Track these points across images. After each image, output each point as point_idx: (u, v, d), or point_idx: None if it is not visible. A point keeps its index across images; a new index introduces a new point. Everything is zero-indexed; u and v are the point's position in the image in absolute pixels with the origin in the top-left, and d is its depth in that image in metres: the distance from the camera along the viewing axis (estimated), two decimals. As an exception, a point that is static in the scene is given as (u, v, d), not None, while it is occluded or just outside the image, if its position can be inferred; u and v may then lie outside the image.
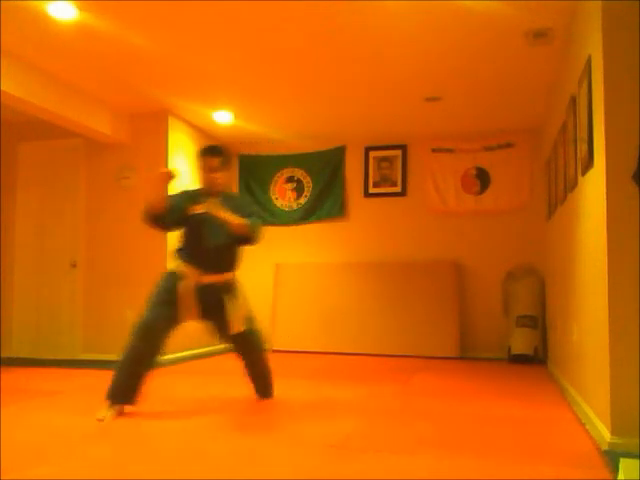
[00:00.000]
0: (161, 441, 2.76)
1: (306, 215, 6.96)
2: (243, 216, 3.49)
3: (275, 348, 6.66)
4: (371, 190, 6.81)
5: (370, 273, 6.61)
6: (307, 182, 7.00)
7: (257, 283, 7.08)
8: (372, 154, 6.82)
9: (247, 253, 7.14)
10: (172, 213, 3.43)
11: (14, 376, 4.77)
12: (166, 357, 5.63)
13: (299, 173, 7.03)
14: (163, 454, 2.54)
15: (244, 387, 3.87)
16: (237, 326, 3.48)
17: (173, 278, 3.45)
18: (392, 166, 6.75)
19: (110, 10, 3.73)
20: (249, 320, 3.65)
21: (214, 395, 3.91)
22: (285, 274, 6.92)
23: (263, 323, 6.90)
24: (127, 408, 3.29)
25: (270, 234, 7.09)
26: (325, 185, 6.91)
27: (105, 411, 3.17)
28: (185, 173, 6.17)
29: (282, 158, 7.08)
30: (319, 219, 6.93)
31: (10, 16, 3.80)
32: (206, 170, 3.54)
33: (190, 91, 5.30)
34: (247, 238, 3.54)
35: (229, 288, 3.58)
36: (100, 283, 5.94)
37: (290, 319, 6.74)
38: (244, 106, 5.69)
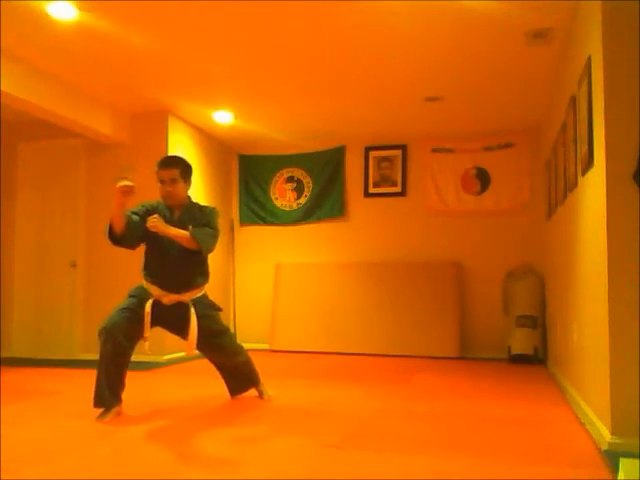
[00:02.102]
0: (160, 441, 2.76)
1: (306, 215, 6.96)
2: (197, 227, 3.37)
3: (275, 348, 6.66)
4: (371, 190, 6.81)
5: (370, 273, 6.61)
6: (307, 182, 7.00)
7: (257, 283, 7.09)
8: (372, 154, 6.82)
9: (247, 253, 7.20)
10: (132, 231, 3.27)
11: (14, 376, 4.76)
12: (166, 357, 5.64)
13: (299, 173, 7.03)
14: (162, 454, 2.54)
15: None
16: (191, 347, 3.38)
17: (141, 292, 3.37)
18: (392, 166, 6.75)
19: (110, 10, 3.73)
20: (218, 333, 3.58)
21: (214, 395, 3.91)
22: (285, 274, 6.92)
23: (263, 323, 6.93)
24: (127, 408, 3.29)
25: (270, 234, 7.11)
26: (325, 185, 6.91)
27: (102, 415, 3.16)
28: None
29: (282, 158, 7.08)
30: (319, 219, 6.93)
31: (10, 16, 3.80)
32: (163, 183, 3.39)
33: (190, 91, 5.30)
34: (196, 250, 3.34)
35: (196, 305, 3.42)
36: (100, 283, 5.93)
37: (290, 319, 6.73)
38: (244, 106, 5.69)
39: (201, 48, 4.31)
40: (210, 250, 3.45)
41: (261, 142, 7.01)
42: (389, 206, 6.74)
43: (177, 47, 4.30)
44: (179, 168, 3.41)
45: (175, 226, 3.31)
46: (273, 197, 7.11)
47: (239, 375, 3.77)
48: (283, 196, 7.07)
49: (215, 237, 3.48)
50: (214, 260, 6.77)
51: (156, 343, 5.55)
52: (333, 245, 6.89)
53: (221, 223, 3.77)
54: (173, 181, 3.38)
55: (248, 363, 3.77)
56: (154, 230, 3.19)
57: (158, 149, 5.84)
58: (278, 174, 7.10)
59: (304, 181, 7.01)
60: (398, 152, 6.74)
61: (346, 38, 4.10)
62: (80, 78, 4.98)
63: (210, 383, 4.41)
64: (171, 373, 5.01)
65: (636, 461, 2.28)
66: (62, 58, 4.53)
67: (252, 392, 3.82)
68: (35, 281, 6.14)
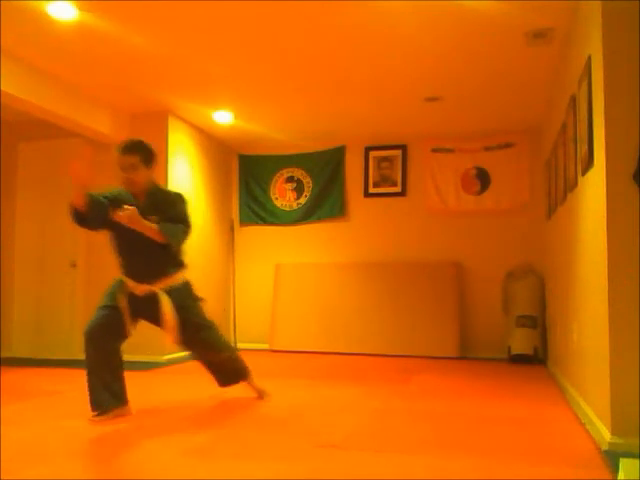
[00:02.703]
0: (160, 441, 2.76)
1: (306, 215, 6.96)
2: (165, 219, 3.23)
3: (275, 348, 6.66)
4: (371, 190, 6.81)
5: (370, 273, 6.61)
6: (307, 182, 7.00)
7: (257, 283, 7.08)
8: (372, 154, 6.82)
9: (247, 253, 7.20)
10: (97, 211, 3.13)
11: (14, 376, 4.76)
12: (166, 357, 5.64)
13: (299, 173, 7.03)
14: (162, 454, 2.54)
15: (243, 387, 3.86)
16: (171, 335, 3.24)
17: (119, 285, 3.29)
18: (392, 166, 6.75)
19: (110, 10, 3.73)
20: (202, 327, 3.46)
21: (214, 395, 3.91)
22: (285, 274, 6.92)
23: (263, 323, 6.93)
24: (127, 409, 3.29)
25: (270, 234, 7.10)
26: (325, 185, 6.91)
27: (101, 414, 3.14)
28: (185, 174, 6.18)
29: (282, 158, 7.08)
30: (319, 219, 6.93)
31: (10, 16, 3.80)
32: (123, 169, 3.22)
33: (190, 91, 5.29)
34: (166, 244, 3.24)
35: (172, 294, 3.28)
36: (100, 283, 5.89)
37: (290, 319, 6.73)
38: (244, 106, 5.69)
39: (201, 48, 4.31)
40: (180, 244, 3.34)
41: (261, 142, 7.01)
42: (389, 206, 6.74)
43: (177, 47, 4.30)
44: (140, 154, 3.24)
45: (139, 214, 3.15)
46: (273, 197, 7.11)
47: (227, 371, 3.70)
48: (283, 196, 7.07)
49: (186, 232, 3.36)
50: (214, 260, 6.82)
51: (156, 343, 5.58)
52: (333, 245, 6.89)
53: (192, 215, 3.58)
54: (133, 167, 3.21)
55: (236, 360, 3.70)
56: (126, 222, 3.06)
57: (158, 149, 5.80)
58: (278, 174, 7.10)
59: (304, 181, 7.01)
60: (398, 152, 6.74)
61: (346, 38, 4.10)
62: (80, 78, 4.98)
63: (208, 383, 4.41)
64: (171, 373, 5.00)
65: (636, 461, 2.28)
66: (62, 58, 4.53)
67: (251, 393, 3.82)
68: (35, 281, 6.14)
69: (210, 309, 6.60)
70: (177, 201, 3.38)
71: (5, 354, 6.03)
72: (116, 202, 3.19)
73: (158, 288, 3.25)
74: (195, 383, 4.44)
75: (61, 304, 6.06)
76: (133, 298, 3.25)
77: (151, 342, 5.60)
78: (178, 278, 3.38)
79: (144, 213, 3.16)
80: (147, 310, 3.27)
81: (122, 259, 3.32)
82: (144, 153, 3.26)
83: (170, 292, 3.28)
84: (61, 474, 2.26)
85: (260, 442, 2.75)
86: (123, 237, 3.24)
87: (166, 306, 3.22)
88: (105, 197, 3.22)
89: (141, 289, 3.25)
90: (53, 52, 4.41)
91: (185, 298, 3.39)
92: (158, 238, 3.19)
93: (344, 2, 3.59)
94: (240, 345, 7.02)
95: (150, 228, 3.16)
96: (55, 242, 6.12)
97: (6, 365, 5.38)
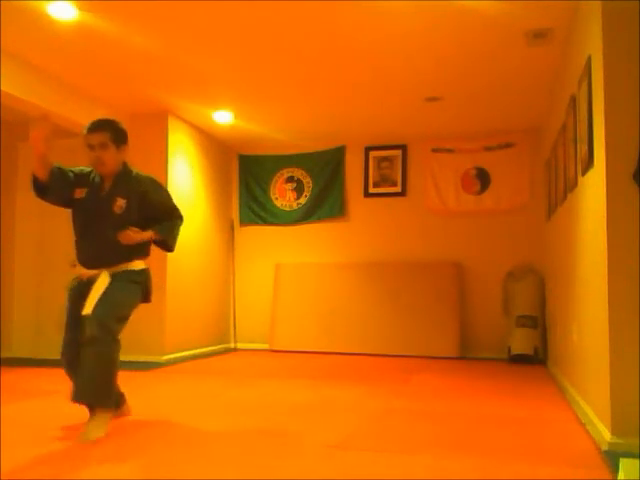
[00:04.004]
0: (160, 441, 2.76)
1: (306, 215, 6.96)
2: (151, 209, 3.07)
3: (275, 348, 6.66)
4: (371, 190, 6.81)
5: (370, 273, 6.61)
6: (307, 182, 7.00)
7: (257, 283, 7.08)
8: (372, 154, 6.82)
9: (247, 253, 7.19)
10: (58, 182, 2.95)
11: (14, 376, 4.76)
12: (166, 357, 5.64)
13: (299, 173, 7.03)
14: (162, 454, 2.54)
15: (243, 387, 3.87)
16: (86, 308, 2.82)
17: (72, 285, 3.04)
18: (392, 166, 6.75)
19: (110, 10, 3.73)
20: (106, 317, 2.82)
21: (214, 395, 3.91)
22: (285, 274, 6.92)
23: (263, 323, 6.93)
24: (128, 410, 3.29)
25: (270, 234, 7.10)
26: (325, 185, 6.91)
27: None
28: (185, 174, 6.18)
29: (282, 158, 7.08)
30: (319, 219, 6.93)
31: (10, 16, 3.80)
32: (91, 148, 2.98)
33: (190, 91, 5.29)
34: (164, 248, 3.12)
35: (115, 276, 2.94)
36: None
37: (290, 319, 6.73)
38: (244, 106, 5.69)
39: (201, 48, 4.31)
40: (174, 246, 3.19)
41: (261, 142, 7.01)
42: (389, 206, 6.74)
43: (177, 47, 4.30)
44: (110, 132, 3.00)
45: (104, 198, 3.00)
46: (273, 197, 7.11)
47: (86, 377, 2.81)
48: (283, 196, 7.07)
49: (180, 224, 3.19)
50: (214, 260, 6.83)
51: (156, 343, 5.59)
52: (333, 245, 6.89)
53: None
54: (103, 146, 2.97)
55: (105, 370, 2.83)
56: (128, 242, 2.93)
57: (158, 149, 5.84)
58: (278, 174, 7.10)
59: (304, 181, 7.01)
60: (398, 152, 6.74)
61: (346, 38, 4.10)
62: (80, 78, 4.98)
63: (208, 383, 4.41)
64: (171, 373, 5.00)
65: (636, 461, 2.28)
66: (62, 58, 4.53)
67: (250, 395, 3.82)
68: (35, 281, 6.14)
69: (210, 309, 6.62)
70: (157, 187, 3.18)
71: (5, 354, 6.03)
72: (82, 180, 3.04)
73: (104, 272, 2.94)
74: (195, 384, 4.44)
75: (61, 304, 6.04)
76: (84, 287, 2.95)
77: (151, 342, 5.61)
78: (134, 265, 3.04)
79: (111, 196, 3.01)
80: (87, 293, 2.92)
81: (77, 243, 3.06)
82: (114, 132, 3.03)
83: (114, 275, 2.95)
84: (61, 474, 2.26)
85: (260, 442, 2.75)
86: (81, 218, 3.05)
87: (99, 283, 2.89)
88: (72, 172, 3.06)
89: (88, 274, 2.98)
90: (53, 52, 4.41)
91: (123, 280, 2.96)
92: (158, 243, 3.11)
93: (344, 2, 3.59)
94: (240, 345, 7.03)
95: (149, 236, 3.05)
96: (55, 242, 6.11)
97: (6, 365, 5.38)
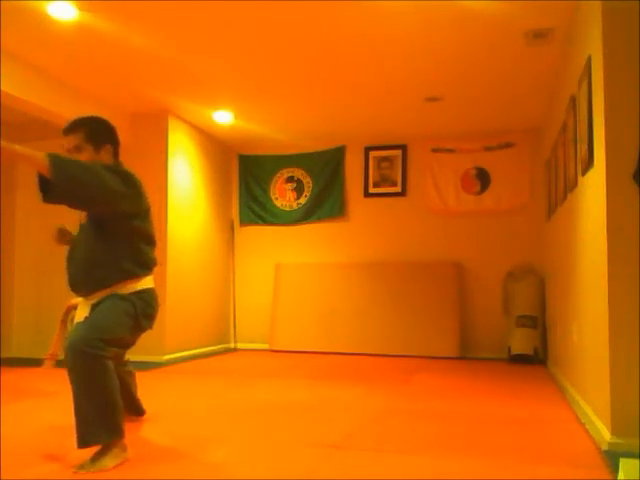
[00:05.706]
0: (159, 441, 2.76)
1: (306, 215, 6.96)
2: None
3: (275, 348, 6.66)
4: (371, 190, 6.81)
5: (370, 273, 6.61)
6: (307, 182, 7.00)
7: (257, 283, 7.08)
8: (372, 154, 6.81)
9: (247, 253, 7.19)
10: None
11: (14, 376, 4.76)
12: (166, 357, 5.64)
13: (299, 173, 7.03)
14: (161, 454, 2.54)
15: (243, 387, 3.87)
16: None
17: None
18: (392, 166, 6.75)
19: (110, 10, 3.73)
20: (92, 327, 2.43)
21: (213, 395, 3.91)
22: (285, 274, 6.92)
23: (263, 323, 6.93)
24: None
25: (270, 234, 7.10)
26: (325, 185, 6.91)
27: None
28: (185, 174, 6.18)
29: (282, 158, 7.08)
30: (319, 219, 6.93)
31: (10, 16, 3.80)
32: (68, 152, 2.58)
33: (190, 91, 5.29)
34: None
35: (100, 302, 2.55)
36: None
37: (290, 319, 6.73)
38: (244, 106, 5.69)
39: (201, 48, 4.31)
40: (85, 190, 2.38)
41: (261, 142, 7.01)
42: (389, 206, 6.74)
43: (177, 47, 4.30)
44: (83, 132, 2.59)
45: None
46: (273, 197, 7.11)
47: (79, 413, 2.34)
48: (283, 196, 7.07)
49: (104, 177, 2.43)
50: (214, 260, 6.82)
51: (156, 343, 5.58)
52: (333, 245, 6.89)
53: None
54: (77, 149, 2.58)
55: (90, 401, 2.34)
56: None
57: (158, 149, 5.84)
58: (278, 174, 7.10)
59: (304, 181, 7.01)
60: (398, 152, 6.74)
61: (346, 38, 4.10)
62: (80, 78, 4.98)
63: (208, 383, 4.41)
64: (171, 373, 5.00)
65: (636, 461, 2.28)
66: (62, 58, 4.52)
67: (250, 394, 3.82)
68: (35, 282, 6.14)
69: (210, 309, 6.62)
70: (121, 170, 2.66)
71: (5, 354, 6.02)
72: None
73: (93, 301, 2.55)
74: (195, 384, 4.44)
75: (61, 304, 6.04)
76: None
77: (151, 342, 5.60)
78: (125, 288, 2.58)
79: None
80: None
81: (66, 262, 2.71)
82: (89, 131, 2.61)
83: (99, 302, 2.55)
84: (61, 474, 2.26)
85: (260, 442, 2.75)
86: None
87: (79, 312, 2.58)
88: None
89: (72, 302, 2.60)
90: (53, 52, 4.41)
91: (108, 299, 2.55)
92: (44, 172, 2.29)
93: (344, 2, 3.59)
94: (240, 345, 7.03)
95: (30, 156, 2.28)
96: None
97: (6, 365, 5.38)
